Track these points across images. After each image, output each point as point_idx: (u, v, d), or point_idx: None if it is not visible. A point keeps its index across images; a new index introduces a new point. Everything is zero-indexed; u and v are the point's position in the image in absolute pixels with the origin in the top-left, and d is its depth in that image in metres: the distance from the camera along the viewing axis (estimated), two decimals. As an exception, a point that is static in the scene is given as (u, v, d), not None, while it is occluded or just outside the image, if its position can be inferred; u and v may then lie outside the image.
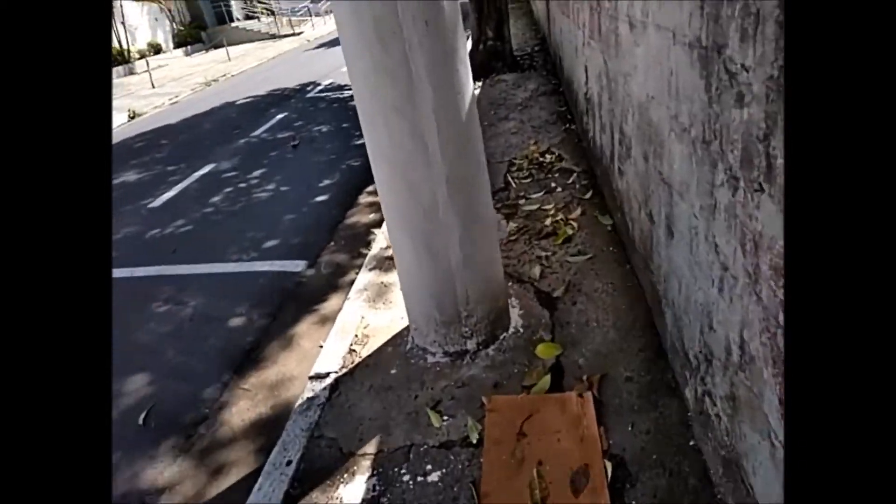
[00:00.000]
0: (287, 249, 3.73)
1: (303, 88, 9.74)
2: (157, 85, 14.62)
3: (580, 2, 3.63)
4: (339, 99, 8.46)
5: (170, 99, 12.06)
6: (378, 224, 3.75)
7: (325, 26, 25.69)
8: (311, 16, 26.91)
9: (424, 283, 2.06)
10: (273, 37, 24.77)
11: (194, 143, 7.09)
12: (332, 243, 3.75)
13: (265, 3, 26.92)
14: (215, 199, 4.86)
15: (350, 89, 9.11)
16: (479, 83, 6.89)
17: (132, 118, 10.35)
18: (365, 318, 2.57)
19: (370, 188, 4.34)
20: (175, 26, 25.25)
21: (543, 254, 2.77)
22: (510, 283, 2.56)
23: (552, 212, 3.21)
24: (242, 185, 5.13)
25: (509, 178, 3.88)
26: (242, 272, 3.51)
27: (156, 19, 24.11)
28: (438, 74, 1.73)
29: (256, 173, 5.38)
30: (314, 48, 17.60)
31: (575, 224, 2.97)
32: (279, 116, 7.78)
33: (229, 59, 18.55)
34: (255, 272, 3.48)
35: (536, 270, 2.61)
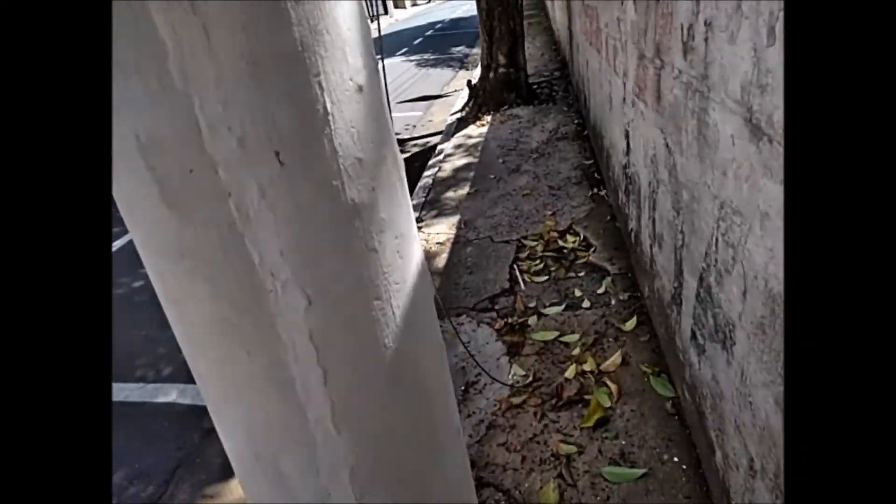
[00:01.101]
0: (212, 365, 2.75)
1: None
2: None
3: (617, 40, 2.62)
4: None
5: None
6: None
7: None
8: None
9: None
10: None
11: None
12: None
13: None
14: (150, 266, 3.91)
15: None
16: (489, 118, 5.89)
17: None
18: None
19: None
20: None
21: (564, 449, 1.74)
22: (507, 518, 1.55)
23: (577, 350, 2.18)
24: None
25: (517, 273, 2.87)
26: (140, 404, 2.53)
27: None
28: (320, 266, 0.75)
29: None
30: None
31: (613, 386, 1.95)
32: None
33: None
34: (157, 406, 2.50)
35: (552, 494, 1.59)
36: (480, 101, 6.27)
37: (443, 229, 3.58)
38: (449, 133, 5.84)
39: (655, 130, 1.92)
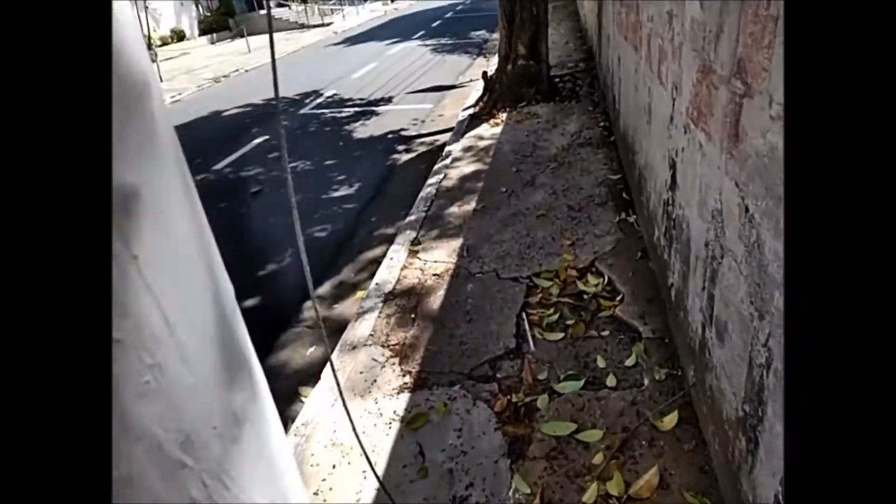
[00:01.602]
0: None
1: (300, 100, 8.30)
2: (167, 78, 13.51)
3: (667, 40, 2.04)
4: (334, 120, 7.00)
5: (171, 97, 10.91)
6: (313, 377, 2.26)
7: (356, 17, 24.28)
8: (342, 5, 25.65)
9: None
10: (302, 27, 23.62)
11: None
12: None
13: (298, -10, 25.62)
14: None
15: (350, 106, 7.63)
16: (504, 115, 5.31)
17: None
18: None
19: (330, 287, 2.79)
20: (202, 12, 24.19)
21: None
22: None
23: (599, 456, 1.66)
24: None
25: (525, 325, 2.33)
26: None
27: (181, 4, 23.09)
28: None
29: (185, 241, 3.97)
30: (337, 43, 16.20)
31: (648, 528, 1.42)
32: (257, 141, 6.35)
33: (249, 51, 17.48)
34: None
35: None
36: (496, 96, 5.68)
37: (441, 256, 3.05)
38: (459, 132, 5.27)
39: (724, 179, 1.36)
